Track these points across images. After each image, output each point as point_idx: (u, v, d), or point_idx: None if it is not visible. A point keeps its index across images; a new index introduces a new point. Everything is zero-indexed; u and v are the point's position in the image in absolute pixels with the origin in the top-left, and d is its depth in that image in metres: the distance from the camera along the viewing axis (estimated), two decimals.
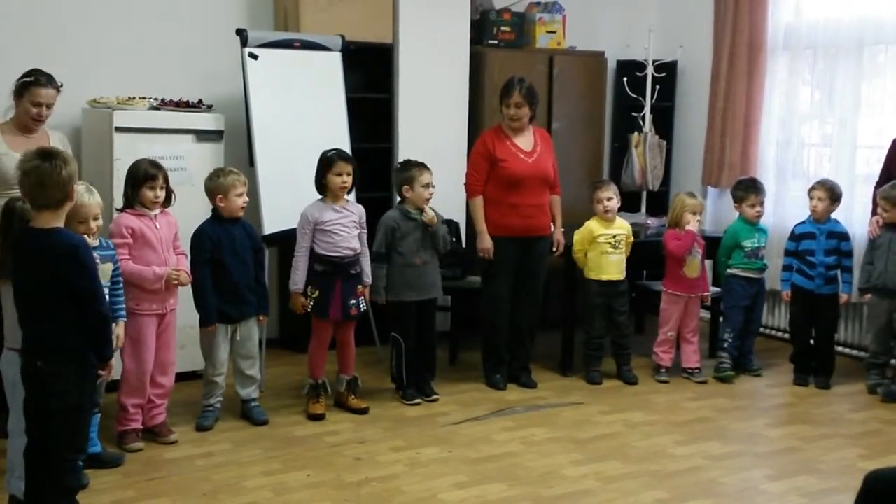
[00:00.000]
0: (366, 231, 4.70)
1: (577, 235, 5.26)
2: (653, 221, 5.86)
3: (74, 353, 3.14)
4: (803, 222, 5.34)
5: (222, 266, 4.31)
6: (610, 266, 5.22)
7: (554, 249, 5.18)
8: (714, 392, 5.16)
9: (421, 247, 4.76)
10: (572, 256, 5.29)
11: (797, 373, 5.34)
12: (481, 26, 6.22)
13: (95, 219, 3.63)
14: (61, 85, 4.36)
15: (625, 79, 6.49)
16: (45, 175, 3.06)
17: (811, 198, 5.25)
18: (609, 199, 5.22)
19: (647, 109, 6.36)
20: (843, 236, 5.26)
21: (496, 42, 6.23)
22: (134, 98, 4.95)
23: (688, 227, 5.22)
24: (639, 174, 6.39)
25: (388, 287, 4.72)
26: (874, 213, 5.19)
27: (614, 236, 5.22)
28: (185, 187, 4.48)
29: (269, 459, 4.03)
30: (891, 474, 2.73)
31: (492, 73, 6.01)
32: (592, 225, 5.24)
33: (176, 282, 4.12)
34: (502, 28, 6.25)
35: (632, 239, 5.33)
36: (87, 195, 3.58)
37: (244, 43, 5.08)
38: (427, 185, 4.73)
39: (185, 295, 4.32)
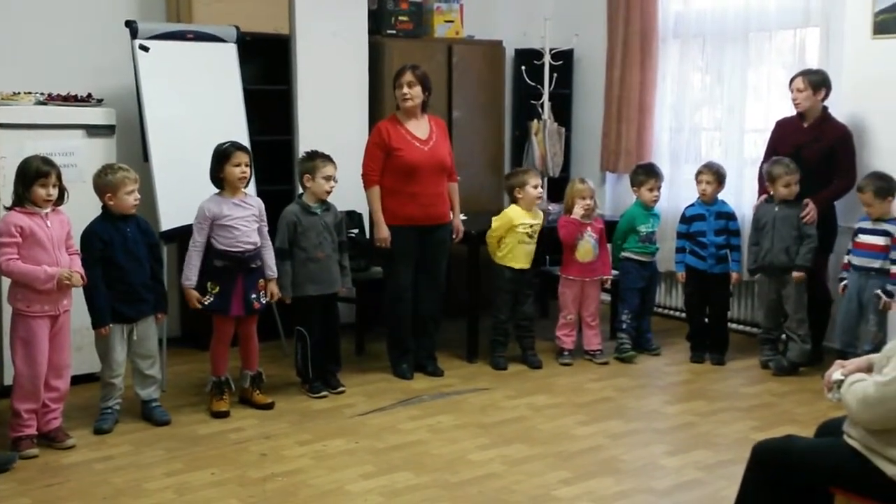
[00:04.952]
0: (266, 224, 4.64)
1: (497, 222, 5.27)
2: (554, 207, 5.94)
3: None
4: (692, 205, 5.51)
5: (115, 265, 4.20)
6: (523, 255, 5.28)
7: (454, 237, 5.21)
8: (615, 372, 5.30)
9: (322, 241, 4.74)
10: (486, 240, 5.30)
11: (693, 350, 5.52)
12: (379, 16, 6.20)
13: None
14: None
15: (523, 67, 6.56)
16: None
17: (699, 182, 5.42)
18: (535, 187, 5.28)
19: (545, 97, 6.43)
20: (731, 216, 5.45)
21: (395, 32, 6.23)
22: (19, 93, 4.77)
23: (574, 212, 5.33)
24: (539, 161, 6.47)
25: (291, 283, 4.69)
26: (761, 191, 5.38)
27: (531, 226, 5.28)
28: (77, 184, 4.34)
29: (172, 460, 3.96)
30: (776, 444, 2.85)
31: (391, 63, 5.98)
32: (513, 213, 5.27)
33: (68, 282, 4.00)
34: (400, 18, 6.26)
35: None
36: None
37: (134, 35, 4.95)
38: (328, 178, 4.70)
39: (80, 295, 4.21)
